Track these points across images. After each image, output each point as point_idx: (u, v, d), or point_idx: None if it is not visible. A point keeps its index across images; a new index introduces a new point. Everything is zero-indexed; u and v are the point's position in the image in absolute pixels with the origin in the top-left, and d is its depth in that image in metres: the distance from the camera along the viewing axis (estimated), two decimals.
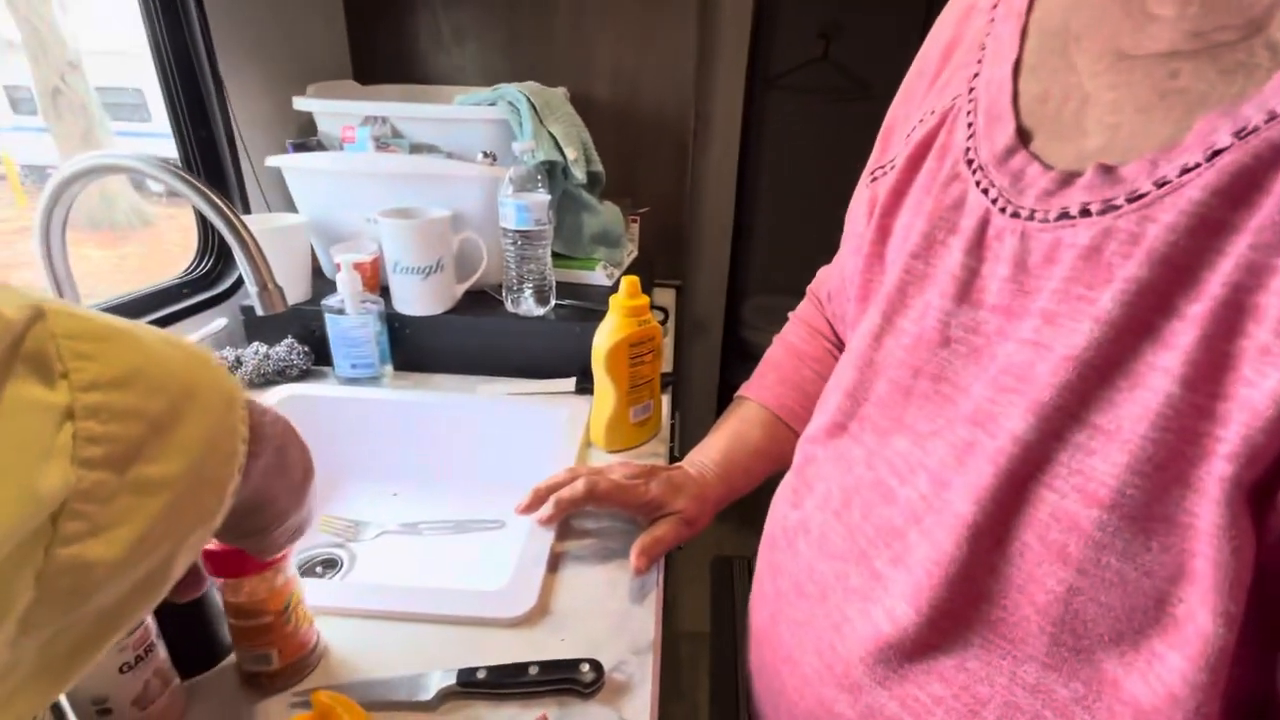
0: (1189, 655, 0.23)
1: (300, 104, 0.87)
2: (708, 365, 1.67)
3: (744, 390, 0.61)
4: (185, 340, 0.24)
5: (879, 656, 0.32)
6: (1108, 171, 0.27)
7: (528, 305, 0.81)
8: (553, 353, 0.81)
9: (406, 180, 0.81)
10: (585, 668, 0.42)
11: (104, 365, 0.19)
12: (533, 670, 0.42)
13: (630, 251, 1.07)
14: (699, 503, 0.55)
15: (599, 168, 0.92)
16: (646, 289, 0.90)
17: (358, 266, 0.76)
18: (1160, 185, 0.25)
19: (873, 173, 0.43)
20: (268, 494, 0.30)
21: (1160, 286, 0.24)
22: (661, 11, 1.14)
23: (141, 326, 0.22)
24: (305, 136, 0.93)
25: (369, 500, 0.74)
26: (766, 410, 0.58)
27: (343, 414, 0.75)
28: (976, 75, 0.35)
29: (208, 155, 0.82)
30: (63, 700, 0.35)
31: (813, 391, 0.57)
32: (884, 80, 1.97)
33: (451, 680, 0.41)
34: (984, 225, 0.32)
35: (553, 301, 0.83)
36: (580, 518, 0.58)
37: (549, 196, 0.77)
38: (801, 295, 0.63)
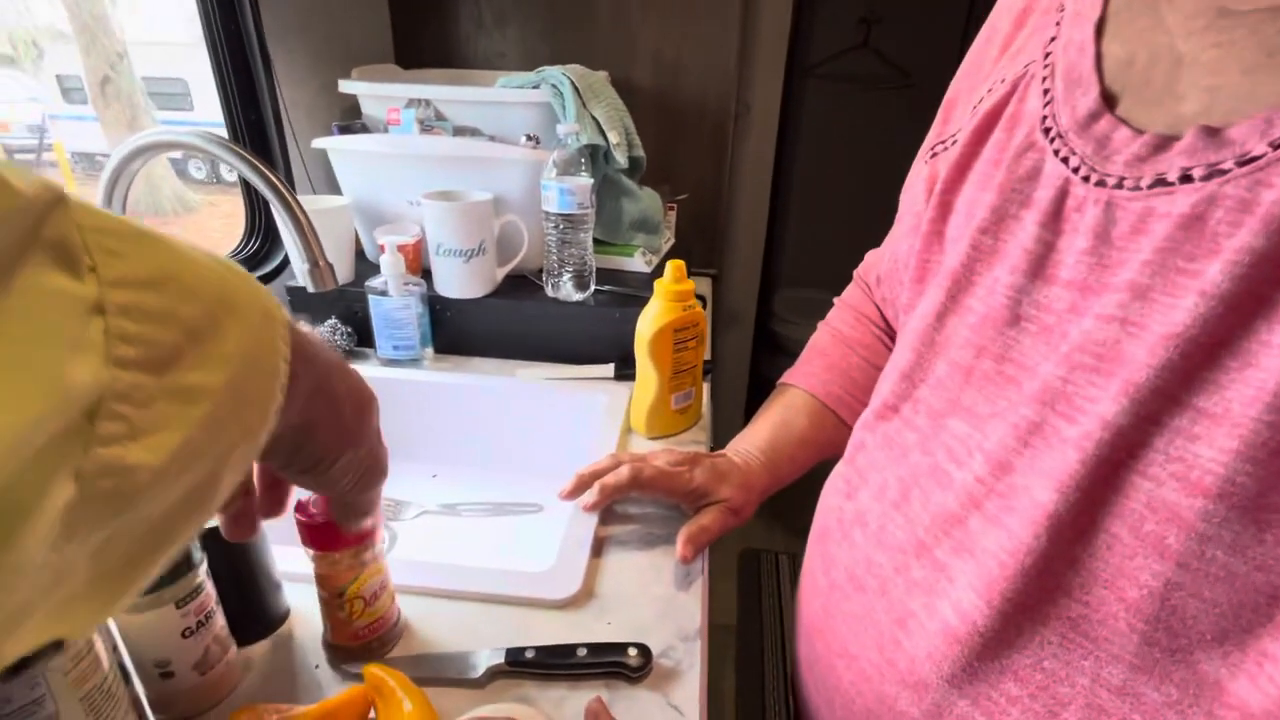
0: None
1: (346, 86, 0.88)
2: (739, 356, 1.66)
3: (788, 377, 0.60)
4: (219, 254, 0.22)
5: (947, 652, 0.31)
6: (1212, 134, 0.25)
7: (567, 290, 0.81)
8: (591, 338, 0.80)
9: (450, 163, 0.81)
10: (633, 652, 0.42)
11: (135, 263, 0.18)
12: (581, 652, 0.41)
13: (667, 239, 1.06)
14: (744, 491, 0.54)
15: (640, 153, 0.91)
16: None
17: (401, 248, 0.76)
18: (1277, 147, 0.23)
19: (932, 148, 0.41)
20: (315, 421, 0.28)
21: (1277, 257, 0.22)
22: None
23: (171, 235, 0.21)
24: (349, 119, 0.94)
25: (409, 481, 0.75)
26: (812, 397, 0.57)
27: (384, 395, 0.75)
28: (1053, 39, 0.33)
29: (256, 137, 0.83)
30: (128, 661, 0.35)
31: (860, 379, 0.56)
32: (924, 68, 1.92)
33: (500, 659, 0.41)
34: (1062, 196, 0.30)
35: (592, 287, 0.82)
36: (622, 503, 0.58)
37: (592, 180, 0.76)
38: (830, 289, 0.62)
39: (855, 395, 0.55)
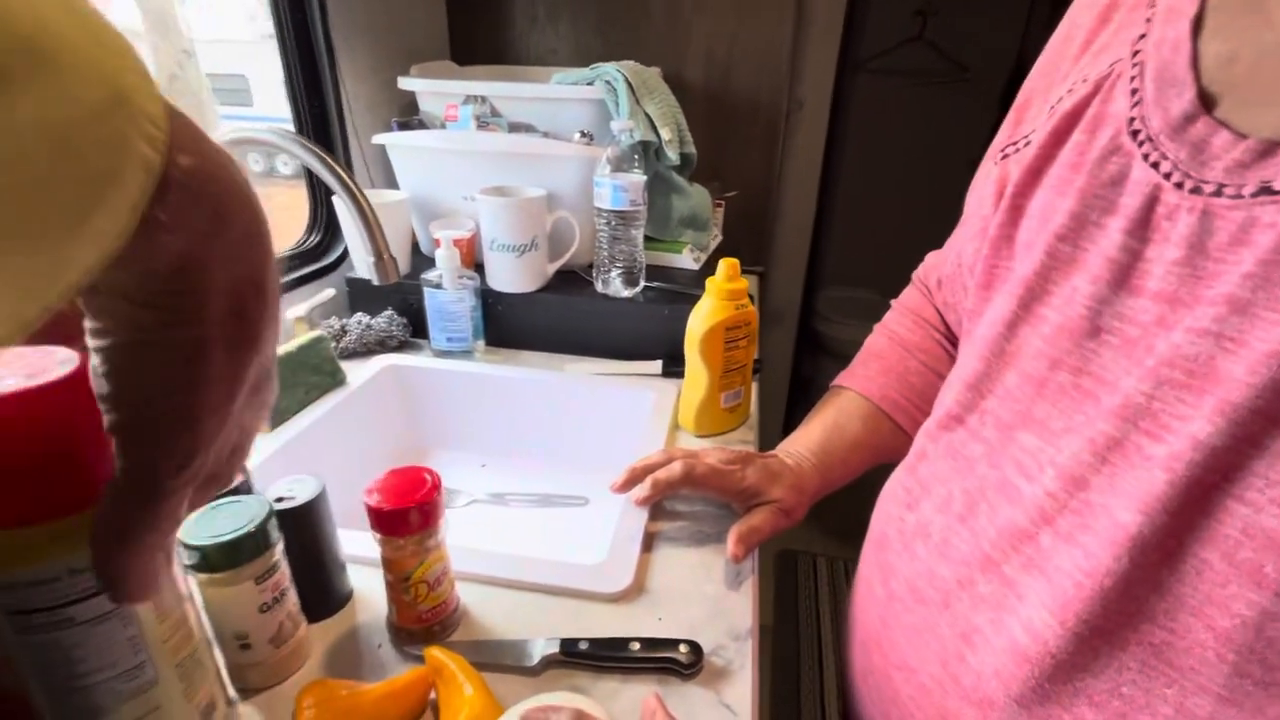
0: None
1: (405, 83, 0.90)
2: (782, 356, 1.64)
3: (842, 379, 0.59)
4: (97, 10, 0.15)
5: (1016, 671, 0.30)
6: None
7: (616, 286, 0.81)
8: (640, 335, 0.81)
9: (505, 159, 0.83)
10: (684, 649, 0.42)
11: None
12: (634, 646, 0.42)
13: (715, 235, 1.06)
14: (796, 493, 0.53)
15: (692, 149, 0.91)
16: None
17: (456, 243, 0.78)
18: None
19: (1003, 149, 0.40)
20: (197, 264, 0.18)
21: None
22: None
23: None
24: (407, 115, 0.96)
25: (459, 470, 0.77)
26: (867, 401, 0.56)
27: (436, 385, 0.78)
28: (1143, 37, 0.32)
29: (319, 131, 0.86)
30: (210, 633, 0.37)
31: (918, 383, 0.55)
32: (982, 62, 1.86)
33: (555, 649, 0.42)
34: (1151, 203, 0.29)
35: (642, 283, 0.83)
36: (671, 500, 0.58)
37: (645, 177, 0.77)
38: (873, 288, 0.60)
39: (912, 400, 0.54)
